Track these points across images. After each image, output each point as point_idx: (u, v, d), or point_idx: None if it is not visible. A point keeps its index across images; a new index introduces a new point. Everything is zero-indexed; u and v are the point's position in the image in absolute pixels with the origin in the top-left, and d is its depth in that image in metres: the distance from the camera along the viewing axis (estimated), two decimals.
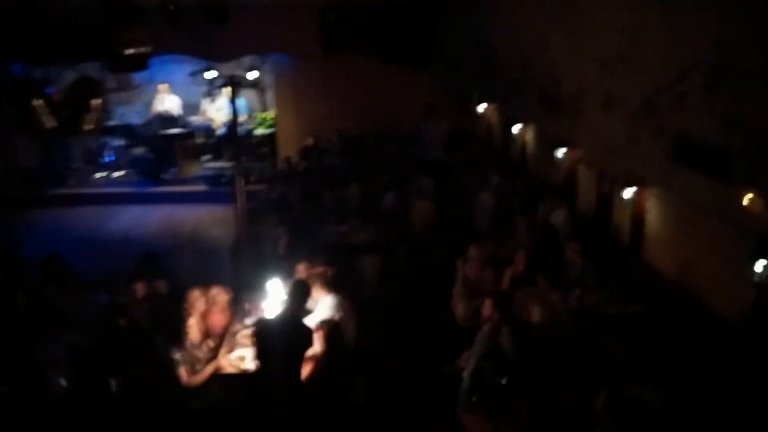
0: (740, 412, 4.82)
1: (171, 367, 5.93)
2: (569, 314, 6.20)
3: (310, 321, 6.15)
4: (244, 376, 6.00)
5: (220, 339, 6.59)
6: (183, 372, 5.93)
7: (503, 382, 5.19)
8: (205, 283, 6.86)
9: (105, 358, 5.79)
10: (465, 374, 5.69)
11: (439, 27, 13.60)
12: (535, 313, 5.97)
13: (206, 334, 6.44)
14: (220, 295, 6.83)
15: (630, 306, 6.72)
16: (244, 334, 6.54)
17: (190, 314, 6.27)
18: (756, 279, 5.39)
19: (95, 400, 5.46)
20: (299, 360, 5.59)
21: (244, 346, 6.34)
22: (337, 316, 6.29)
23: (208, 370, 6.06)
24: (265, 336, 5.61)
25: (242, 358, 6.15)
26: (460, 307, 7.01)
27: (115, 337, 6.07)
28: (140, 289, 7.01)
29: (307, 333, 5.68)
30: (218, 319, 6.81)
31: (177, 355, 5.95)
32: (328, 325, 5.93)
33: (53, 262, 7.62)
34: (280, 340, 5.50)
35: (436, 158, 12.42)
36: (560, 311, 6.16)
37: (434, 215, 9.47)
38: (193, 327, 6.21)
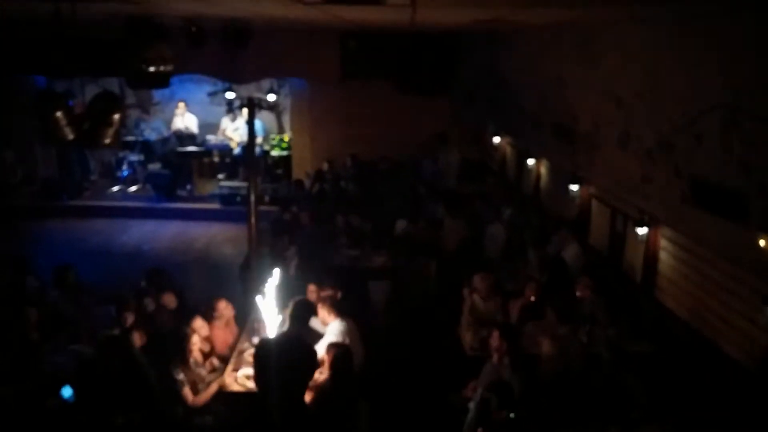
0: None
1: (174, 387, 5.89)
2: (578, 349, 6.15)
3: (320, 344, 6.14)
4: (249, 394, 5.98)
5: (225, 357, 6.60)
6: (187, 392, 5.90)
7: (511, 416, 5.13)
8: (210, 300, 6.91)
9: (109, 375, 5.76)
10: (471, 405, 5.65)
11: (458, 59, 13.72)
12: (545, 346, 5.94)
13: (210, 352, 6.44)
14: (225, 309, 6.85)
15: (640, 344, 6.66)
16: (252, 352, 6.53)
17: (193, 332, 6.26)
18: None
19: (99, 411, 5.42)
20: (301, 382, 5.52)
21: (251, 364, 6.33)
22: (345, 341, 6.28)
23: (213, 388, 6.05)
24: (264, 356, 5.52)
25: (249, 376, 6.12)
26: (467, 337, 6.98)
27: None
28: (150, 302, 7.04)
29: (310, 354, 5.58)
30: (223, 334, 6.82)
31: (180, 376, 5.93)
32: (336, 350, 5.91)
33: (66, 272, 7.67)
34: (280, 361, 5.40)
35: (449, 187, 12.47)
36: (569, 346, 6.12)
37: (466, 232, 9.49)
38: (196, 345, 6.20)
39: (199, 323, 6.40)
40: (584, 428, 5.07)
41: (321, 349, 6.01)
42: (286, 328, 5.81)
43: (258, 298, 6.51)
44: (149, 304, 7.06)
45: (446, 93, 13.74)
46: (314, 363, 5.60)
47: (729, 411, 5.50)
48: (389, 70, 13.53)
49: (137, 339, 6.36)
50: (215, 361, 6.43)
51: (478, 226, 9.84)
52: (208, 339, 6.44)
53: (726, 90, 5.82)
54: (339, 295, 7.04)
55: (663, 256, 7.42)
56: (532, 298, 7.16)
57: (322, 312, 6.56)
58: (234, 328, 7.06)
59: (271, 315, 6.41)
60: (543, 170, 11.53)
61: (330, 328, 6.48)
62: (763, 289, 5.48)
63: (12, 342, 6.35)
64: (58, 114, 7.73)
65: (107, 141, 8.20)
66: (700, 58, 6.26)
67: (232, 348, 6.79)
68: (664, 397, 5.61)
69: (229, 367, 6.36)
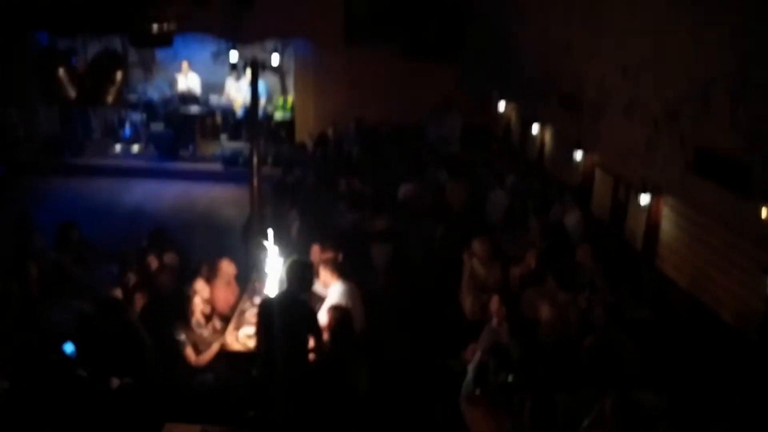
0: (745, 423, 4.83)
1: (177, 348, 5.95)
2: (577, 315, 6.20)
3: (322, 306, 6.19)
4: (250, 353, 6.05)
5: (227, 317, 6.66)
6: (190, 352, 5.96)
7: (509, 379, 5.20)
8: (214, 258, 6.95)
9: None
10: (469, 367, 5.72)
11: (467, 23, 13.57)
12: (544, 311, 5.98)
13: (212, 314, 6.50)
14: (227, 268, 6.90)
15: (640, 312, 6.70)
16: (253, 312, 6.60)
17: (195, 294, 6.31)
18: None
19: (100, 369, 5.48)
20: (300, 342, 5.53)
21: (252, 324, 6.40)
22: (346, 303, 6.32)
23: (214, 348, 6.11)
24: (266, 315, 5.53)
25: (250, 336, 6.20)
26: (468, 302, 7.03)
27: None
28: (152, 261, 7.08)
29: (308, 315, 5.55)
30: (224, 294, 6.87)
31: (182, 336, 5.98)
32: (336, 312, 5.95)
33: (69, 230, 7.70)
34: (281, 320, 5.41)
35: (452, 152, 12.44)
36: (569, 312, 6.16)
37: (468, 195, 9.52)
38: (198, 307, 6.25)
39: (200, 285, 6.44)
40: (580, 393, 5.13)
41: (323, 311, 6.06)
42: (285, 288, 5.80)
43: (260, 259, 6.55)
44: (152, 263, 7.10)
45: (453, 58, 13.65)
46: (312, 323, 5.61)
47: (727, 379, 5.56)
48: (396, 33, 13.42)
49: (139, 299, 6.42)
50: (217, 324, 6.49)
51: (480, 192, 9.83)
52: (209, 300, 6.49)
53: (734, 59, 5.76)
54: (340, 257, 7.07)
55: (664, 224, 7.44)
56: (533, 265, 7.19)
57: (324, 274, 6.60)
58: (235, 288, 7.12)
59: (272, 276, 6.44)
60: (547, 137, 11.48)
61: (331, 290, 6.52)
62: (764, 259, 5.51)
63: (13, 297, 6.40)
64: (61, 72, 7.72)
65: (109, 99, 8.19)
66: (708, 26, 6.19)
67: (234, 308, 6.85)
68: (662, 364, 5.67)
69: (231, 327, 6.42)
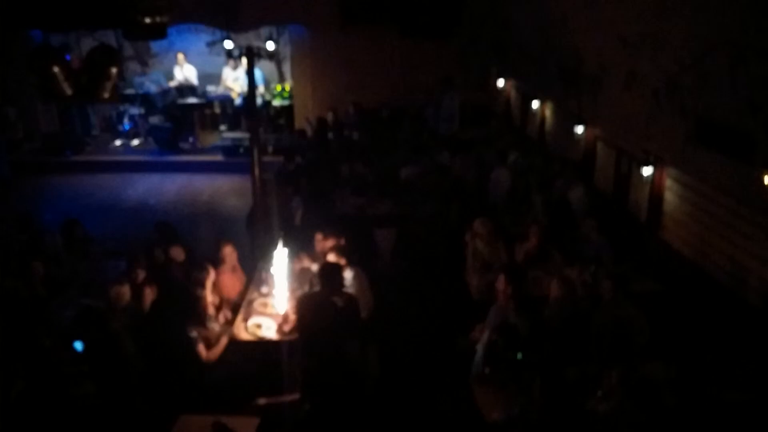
0: (753, 392, 4.84)
1: (189, 343, 5.96)
2: (585, 290, 6.20)
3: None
4: (260, 343, 6.07)
5: (236, 305, 6.68)
6: (201, 348, 5.97)
7: (518, 357, 5.22)
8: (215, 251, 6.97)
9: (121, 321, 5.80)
10: (478, 347, 5.74)
11: (462, 1, 13.45)
12: (554, 287, 5.97)
13: (221, 303, 6.52)
14: (230, 254, 6.91)
15: (645, 283, 6.71)
16: (261, 302, 6.62)
17: (202, 287, 6.30)
18: None
19: (108, 365, 5.49)
20: (333, 341, 5.57)
21: (260, 314, 6.42)
22: (354, 290, 6.33)
23: (223, 342, 6.09)
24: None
25: (258, 325, 6.22)
26: (474, 281, 7.04)
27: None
28: (160, 255, 7.09)
29: (340, 314, 5.64)
30: (230, 280, 6.89)
31: (194, 334, 5.98)
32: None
33: (72, 227, 7.72)
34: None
35: (452, 132, 12.39)
36: (577, 287, 6.16)
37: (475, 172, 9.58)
38: (208, 300, 6.26)
39: (209, 276, 6.47)
40: (589, 367, 5.15)
41: None
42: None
43: (266, 249, 6.56)
44: (159, 256, 7.11)
45: (450, 36, 13.54)
46: (347, 322, 5.64)
47: (733, 347, 5.57)
48: (392, 14, 13.31)
49: (149, 294, 6.43)
50: (228, 313, 6.50)
51: (483, 171, 9.81)
52: (215, 286, 6.50)
53: (733, 28, 5.70)
54: (342, 242, 7.08)
55: (668, 195, 7.42)
56: (535, 241, 7.18)
57: (331, 258, 6.60)
58: (241, 274, 7.14)
59: (280, 267, 6.46)
60: (548, 113, 11.43)
61: None
62: (767, 226, 5.50)
63: (19, 297, 6.42)
64: (55, 69, 7.66)
65: (106, 95, 8.14)
66: None
67: (242, 295, 6.87)
68: (669, 336, 5.68)
69: (239, 317, 6.45)
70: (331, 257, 6.55)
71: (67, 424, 4.96)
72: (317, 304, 5.68)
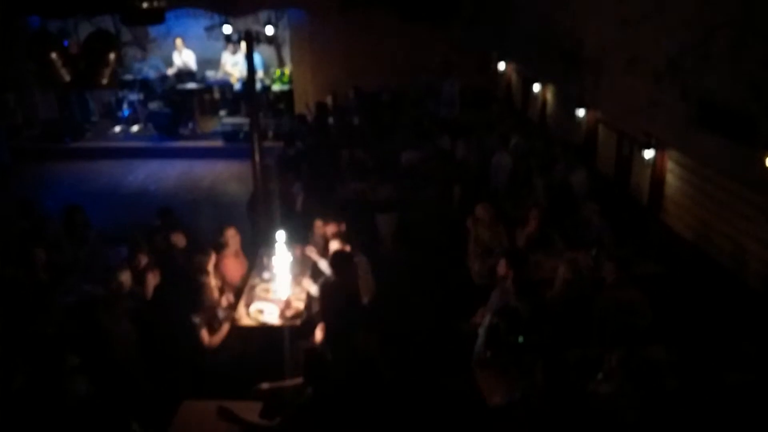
0: (754, 373, 4.85)
1: (192, 331, 5.96)
2: (588, 273, 6.21)
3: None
4: (262, 328, 6.09)
5: (239, 290, 6.69)
6: (204, 334, 5.98)
7: (520, 340, 5.23)
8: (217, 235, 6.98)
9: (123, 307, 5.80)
10: (480, 330, 5.76)
11: None
12: (561, 270, 5.97)
13: (223, 286, 6.52)
14: (232, 238, 6.91)
15: (647, 266, 6.71)
16: (263, 287, 6.63)
17: (205, 272, 6.31)
18: None
19: (107, 351, 5.50)
20: (347, 327, 5.71)
21: (262, 299, 6.44)
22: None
23: (225, 328, 6.10)
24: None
25: (261, 311, 6.23)
26: (475, 266, 7.05)
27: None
28: (160, 241, 7.09)
29: (353, 301, 5.84)
30: (233, 264, 6.89)
31: (197, 319, 5.99)
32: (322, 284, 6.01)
33: (73, 214, 7.70)
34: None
35: (453, 117, 12.35)
36: (583, 269, 6.17)
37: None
38: (209, 283, 6.26)
39: (210, 260, 6.49)
40: (591, 350, 5.16)
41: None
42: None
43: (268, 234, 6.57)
44: (161, 243, 7.11)
45: (451, 20, 13.45)
46: (359, 309, 5.79)
47: (734, 329, 5.58)
48: None
49: (151, 279, 6.44)
50: (230, 297, 6.51)
51: (484, 155, 9.78)
52: (218, 270, 6.50)
53: (735, 9, 5.66)
54: (343, 227, 7.08)
55: (669, 178, 7.41)
56: (534, 225, 7.17)
57: (335, 246, 6.60)
58: (243, 259, 7.14)
59: (281, 253, 6.46)
60: (549, 96, 11.38)
61: None
62: None
63: (21, 284, 6.43)
64: (53, 55, 7.62)
65: (104, 81, 8.10)
66: None
67: (244, 280, 6.88)
68: (670, 318, 5.69)
69: (241, 303, 6.46)
70: (335, 244, 6.55)
71: (66, 416, 4.95)
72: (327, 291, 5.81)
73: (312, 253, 6.65)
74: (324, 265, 6.43)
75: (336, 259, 5.98)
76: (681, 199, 7.20)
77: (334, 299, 5.81)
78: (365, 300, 6.37)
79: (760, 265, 5.86)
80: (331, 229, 7.01)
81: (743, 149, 5.61)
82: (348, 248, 6.51)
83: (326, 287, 6.01)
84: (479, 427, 5.20)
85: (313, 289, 6.38)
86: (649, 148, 7.40)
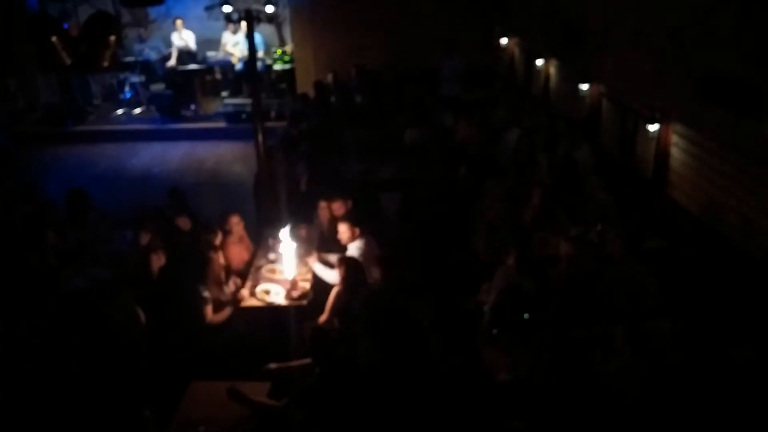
0: (758, 348, 4.86)
1: (198, 303, 6.01)
2: (592, 249, 6.21)
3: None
4: (269, 309, 6.11)
5: (243, 274, 6.71)
6: (209, 310, 6.02)
7: (525, 317, 5.25)
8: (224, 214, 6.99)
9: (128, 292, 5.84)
10: (485, 308, 5.78)
11: None
12: (563, 247, 5.97)
13: (228, 271, 6.55)
14: (236, 225, 6.93)
15: (652, 241, 6.69)
16: (269, 268, 6.65)
17: (213, 248, 6.35)
18: None
19: (118, 333, 5.54)
20: None
21: (269, 280, 6.46)
22: (363, 258, 6.35)
23: (227, 310, 6.16)
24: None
25: (267, 291, 6.26)
26: (481, 244, 7.05)
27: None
28: (166, 222, 7.12)
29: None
30: (238, 250, 6.92)
31: (206, 293, 6.03)
32: (347, 263, 5.99)
33: (78, 198, 7.72)
34: None
35: (455, 95, 12.27)
36: (586, 246, 6.17)
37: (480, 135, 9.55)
38: (217, 263, 6.29)
39: (216, 237, 6.54)
40: (596, 327, 5.18)
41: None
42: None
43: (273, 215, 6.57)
44: (166, 223, 7.14)
45: None
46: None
47: (740, 304, 5.59)
48: None
49: (156, 260, 6.48)
50: (238, 281, 6.54)
51: (489, 132, 9.73)
52: (223, 255, 6.53)
53: None
54: (350, 204, 7.08)
55: (674, 152, 7.36)
56: (538, 202, 7.16)
57: (343, 227, 6.60)
58: (248, 244, 7.16)
59: (286, 233, 6.48)
60: (552, 71, 11.29)
61: (350, 249, 6.55)
62: None
63: (32, 267, 6.47)
64: (54, 38, 7.58)
65: (105, 64, 8.07)
66: None
67: (249, 264, 6.91)
68: (676, 293, 5.70)
69: (247, 284, 6.48)
70: (343, 227, 6.55)
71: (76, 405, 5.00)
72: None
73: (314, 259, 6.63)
74: (333, 258, 6.43)
75: (347, 266, 5.98)
76: (686, 173, 7.17)
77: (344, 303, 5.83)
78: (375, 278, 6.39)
79: (765, 238, 5.84)
80: (337, 207, 7.01)
81: (748, 122, 5.57)
82: (357, 232, 6.52)
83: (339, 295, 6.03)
84: (485, 403, 5.23)
85: (319, 269, 6.41)
86: (653, 122, 7.35)
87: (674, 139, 7.34)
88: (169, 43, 14.74)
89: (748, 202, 6.07)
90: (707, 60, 6.10)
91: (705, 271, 6.17)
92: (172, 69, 14.39)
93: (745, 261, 6.06)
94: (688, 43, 6.40)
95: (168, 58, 14.58)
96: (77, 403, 4.95)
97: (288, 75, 14.76)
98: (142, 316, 5.79)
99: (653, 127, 7.39)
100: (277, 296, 6.22)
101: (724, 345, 4.79)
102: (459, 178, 8.07)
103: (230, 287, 6.36)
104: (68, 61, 7.65)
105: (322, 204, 7.14)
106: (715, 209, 6.62)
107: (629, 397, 4.48)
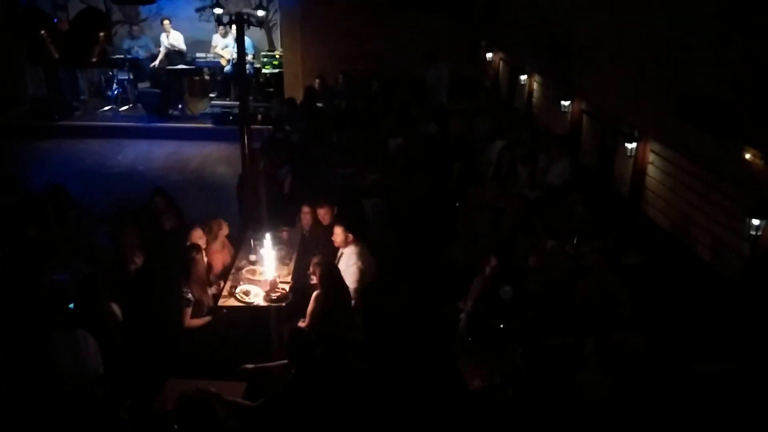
0: (729, 364, 4.98)
1: (179, 303, 6.02)
2: (563, 262, 6.33)
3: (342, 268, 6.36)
4: (248, 309, 6.14)
5: (224, 280, 6.73)
6: (187, 312, 6.04)
7: (501, 326, 5.34)
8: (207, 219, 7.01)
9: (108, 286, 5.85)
10: (462, 315, 5.87)
11: None
12: (532, 260, 6.10)
13: (209, 275, 6.58)
14: (220, 230, 6.96)
15: (628, 256, 6.83)
16: (249, 269, 6.69)
17: (197, 248, 6.38)
18: (751, 234, 5.49)
19: (99, 326, 5.54)
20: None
21: (249, 281, 6.49)
22: (360, 263, 6.42)
23: (206, 318, 6.19)
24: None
25: (247, 292, 6.29)
26: (460, 251, 7.15)
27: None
28: (149, 221, 7.14)
29: None
30: (221, 256, 6.94)
31: (189, 295, 6.04)
32: (321, 265, 6.04)
33: (58, 192, 7.69)
34: None
35: (440, 105, 12.38)
36: (554, 259, 6.28)
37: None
38: (201, 264, 6.32)
39: (197, 234, 6.55)
40: (570, 337, 5.27)
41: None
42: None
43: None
44: (149, 222, 7.16)
45: (440, 9, 13.46)
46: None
47: (710, 319, 5.72)
48: None
49: (133, 258, 6.48)
50: (220, 284, 6.57)
51: (472, 143, 9.85)
52: (206, 255, 6.56)
53: (721, 3, 5.75)
54: (335, 210, 7.14)
55: (651, 170, 7.52)
56: (518, 213, 7.28)
57: (338, 230, 6.65)
58: (230, 248, 7.18)
59: (268, 235, 6.54)
60: (535, 86, 11.45)
61: (346, 253, 6.62)
62: (747, 202, 5.61)
63: (8, 260, 6.46)
64: (43, 32, 7.60)
65: (93, 59, 8.10)
66: None
67: (230, 267, 6.93)
68: (650, 307, 5.82)
69: (227, 285, 6.50)
70: (338, 230, 6.60)
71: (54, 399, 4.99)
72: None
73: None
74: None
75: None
76: (662, 191, 7.32)
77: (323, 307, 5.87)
78: (366, 283, 6.46)
79: (736, 257, 5.99)
80: (323, 213, 7.05)
81: (724, 142, 5.72)
82: (351, 238, 6.58)
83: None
84: (459, 410, 5.30)
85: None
86: (632, 139, 7.51)
87: (651, 157, 7.50)
88: (159, 42, 14.74)
89: (721, 221, 6.22)
90: (687, 81, 6.25)
91: (677, 287, 6.30)
92: (158, 68, 14.37)
93: (715, 278, 6.21)
94: (669, 64, 6.56)
95: (157, 57, 14.57)
96: (52, 399, 4.95)
97: (276, 78, 14.82)
98: (118, 312, 5.79)
99: (631, 146, 7.55)
100: (257, 297, 6.25)
101: (691, 359, 4.91)
102: (453, 173, 8.16)
103: (212, 291, 6.40)
104: (56, 55, 7.66)
105: (305, 208, 7.19)
106: (688, 227, 6.77)
107: (596, 405, 4.58)
